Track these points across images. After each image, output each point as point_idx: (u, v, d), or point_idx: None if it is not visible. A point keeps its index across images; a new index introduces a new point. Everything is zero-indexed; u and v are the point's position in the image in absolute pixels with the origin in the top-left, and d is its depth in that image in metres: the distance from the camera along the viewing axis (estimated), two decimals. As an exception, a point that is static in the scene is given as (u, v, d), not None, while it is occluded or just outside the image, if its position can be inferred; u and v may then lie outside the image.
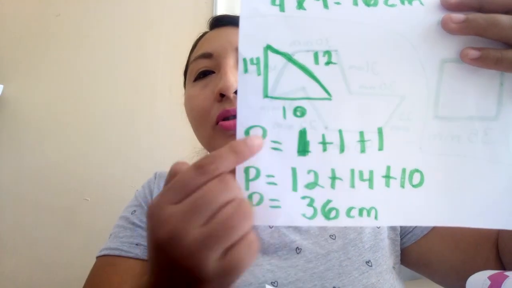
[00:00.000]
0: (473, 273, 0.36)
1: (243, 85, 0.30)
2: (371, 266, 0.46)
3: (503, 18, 0.27)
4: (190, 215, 0.25)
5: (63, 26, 0.97)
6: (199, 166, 0.26)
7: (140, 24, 1.01)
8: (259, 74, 0.30)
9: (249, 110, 0.30)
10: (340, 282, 0.44)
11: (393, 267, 0.50)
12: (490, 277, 0.33)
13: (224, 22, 0.57)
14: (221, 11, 0.98)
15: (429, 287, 0.57)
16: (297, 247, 0.48)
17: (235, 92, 0.47)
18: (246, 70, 0.30)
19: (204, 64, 0.52)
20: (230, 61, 0.49)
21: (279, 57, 0.30)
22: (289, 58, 0.30)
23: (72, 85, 0.96)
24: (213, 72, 0.52)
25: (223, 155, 0.27)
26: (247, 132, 0.30)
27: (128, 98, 0.98)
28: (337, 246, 0.48)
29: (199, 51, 0.55)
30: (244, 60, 0.30)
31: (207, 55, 0.52)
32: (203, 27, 0.61)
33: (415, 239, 0.52)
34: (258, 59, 0.30)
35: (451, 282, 0.48)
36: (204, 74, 0.53)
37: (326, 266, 0.46)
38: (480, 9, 0.28)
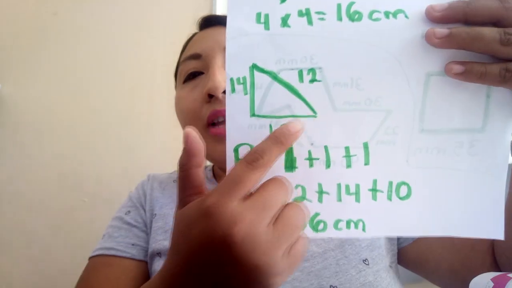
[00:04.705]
0: (470, 273, 0.37)
1: (231, 104, 0.31)
2: (368, 264, 0.47)
3: (487, 32, 0.27)
4: (262, 214, 0.26)
5: (60, 24, 0.97)
6: (250, 162, 0.27)
7: (138, 24, 1.00)
8: (245, 94, 0.30)
9: (237, 128, 0.31)
10: (337, 280, 0.45)
11: (390, 266, 0.50)
12: (493, 279, 0.33)
13: (213, 22, 0.57)
14: (220, 11, 0.97)
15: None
16: None
17: (224, 92, 0.47)
18: (233, 90, 0.30)
19: (193, 65, 0.53)
20: (218, 61, 0.50)
21: (264, 76, 0.30)
22: (274, 76, 0.30)
23: (70, 85, 0.96)
24: (202, 73, 0.52)
25: (268, 147, 0.28)
26: (236, 150, 0.31)
27: (126, 98, 0.98)
28: (333, 245, 0.48)
29: (188, 52, 0.55)
30: (231, 80, 0.30)
31: (196, 56, 0.52)
32: (196, 27, 0.61)
33: (413, 239, 0.52)
34: (244, 78, 0.30)
35: (448, 282, 0.49)
36: (193, 76, 0.53)
37: (323, 265, 0.46)
38: (466, 21, 0.28)
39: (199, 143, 0.29)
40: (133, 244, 0.53)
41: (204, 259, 0.26)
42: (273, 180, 0.28)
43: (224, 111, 0.31)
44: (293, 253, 0.27)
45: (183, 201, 0.30)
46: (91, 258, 0.53)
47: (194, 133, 0.29)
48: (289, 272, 0.27)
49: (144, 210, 0.58)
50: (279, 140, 0.28)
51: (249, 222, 0.25)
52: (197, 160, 0.29)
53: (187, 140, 0.29)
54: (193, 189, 0.30)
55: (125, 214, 0.57)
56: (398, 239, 0.54)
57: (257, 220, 0.25)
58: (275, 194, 0.27)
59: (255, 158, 0.27)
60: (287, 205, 0.28)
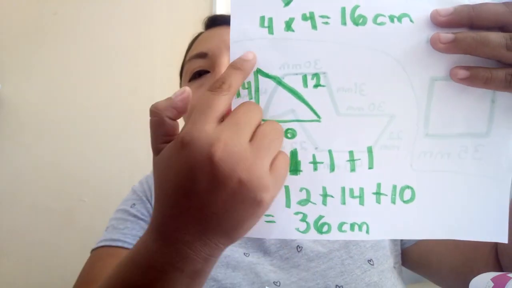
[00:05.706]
0: (472, 274, 0.37)
1: None
2: (373, 264, 0.47)
3: (493, 37, 0.27)
4: (238, 132, 0.26)
5: (60, 24, 0.97)
6: (213, 88, 0.28)
7: (138, 23, 1.00)
8: (250, 98, 0.30)
9: None
10: (343, 280, 0.45)
11: (394, 267, 0.51)
12: (493, 279, 0.33)
13: (219, 22, 0.57)
14: (220, 11, 0.97)
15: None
16: (298, 245, 0.49)
17: None
18: (238, 95, 0.30)
19: (199, 64, 0.52)
20: (224, 61, 0.49)
21: (269, 80, 0.30)
22: (278, 81, 0.30)
23: (70, 85, 0.96)
24: (208, 72, 0.52)
25: (229, 73, 0.29)
26: None
27: (126, 98, 0.98)
28: (338, 245, 0.49)
29: (194, 51, 0.55)
30: None
31: (202, 55, 0.52)
32: (202, 27, 0.61)
33: (415, 240, 0.53)
34: (249, 83, 0.30)
35: (451, 283, 0.49)
36: (199, 74, 0.52)
37: (328, 265, 0.47)
38: (471, 26, 0.28)
39: (188, 106, 0.29)
40: (140, 237, 0.53)
41: (191, 187, 0.26)
42: (244, 103, 0.29)
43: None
44: (275, 167, 0.28)
45: (157, 149, 0.29)
46: (94, 249, 0.52)
47: (191, 95, 0.29)
48: (276, 187, 0.27)
49: (150, 204, 0.57)
50: (237, 66, 0.29)
51: (226, 140, 0.25)
52: (175, 114, 0.29)
53: (180, 95, 0.28)
54: (167, 137, 0.29)
55: (130, 207, 0.56)
56: (402, 240, 0.54)
57: (234, 138, 0.26)
58: (247, 113, 0.28)
59: (217, 84, 0.28)
60: (262, 124, 0.29)
